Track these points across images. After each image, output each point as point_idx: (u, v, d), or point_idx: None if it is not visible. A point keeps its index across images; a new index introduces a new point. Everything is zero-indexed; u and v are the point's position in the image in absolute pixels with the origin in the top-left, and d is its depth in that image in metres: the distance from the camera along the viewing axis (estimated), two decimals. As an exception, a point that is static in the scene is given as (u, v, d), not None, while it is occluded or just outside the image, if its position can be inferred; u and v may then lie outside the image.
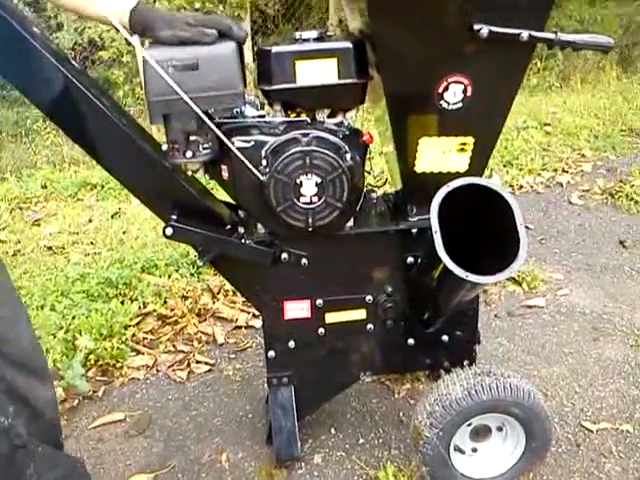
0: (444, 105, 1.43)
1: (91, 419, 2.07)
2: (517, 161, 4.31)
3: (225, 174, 1.51)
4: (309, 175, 1.44)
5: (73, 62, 1.43)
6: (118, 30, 1.33)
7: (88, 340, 2.31)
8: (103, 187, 4.17)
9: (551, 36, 1.37)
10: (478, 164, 1.52)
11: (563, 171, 4.23)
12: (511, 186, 3.94)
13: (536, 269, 2.85)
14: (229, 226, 1.59)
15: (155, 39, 1.33)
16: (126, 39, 1.35)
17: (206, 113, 1.39)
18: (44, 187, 4.29)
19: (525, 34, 1.34)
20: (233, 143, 1.42)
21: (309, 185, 1.45)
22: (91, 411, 2.11)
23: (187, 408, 2.11)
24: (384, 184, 1.77)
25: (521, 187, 3.98)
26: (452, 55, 1.38)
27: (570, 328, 2.47)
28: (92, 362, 2.30)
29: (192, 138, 1.41)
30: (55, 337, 2.36)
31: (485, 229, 1.43)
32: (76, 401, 2.15)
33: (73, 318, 2.47)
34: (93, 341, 2.32)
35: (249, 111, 1.48)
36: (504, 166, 4.24)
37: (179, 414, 2.08)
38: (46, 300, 2.61)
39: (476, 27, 1.32)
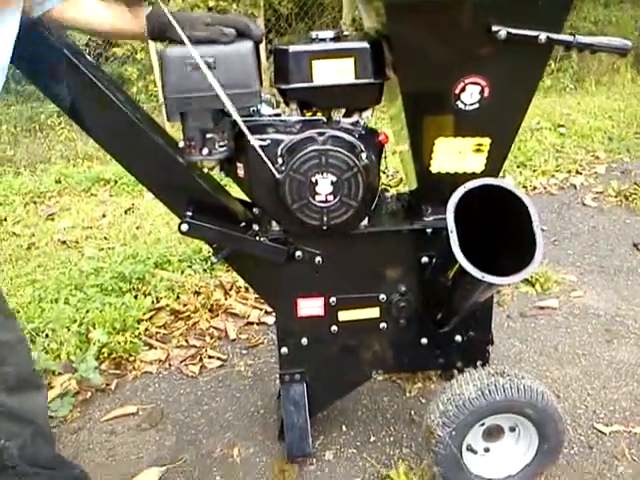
0: (461, 106, 1.43)
1: (104, 412, 2.10)
2: (530, 162, 4.29)
3: (241, 172, 1.52)
4: (324, 174, 1.44)
5: (88, 57, 1.45)
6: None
7: (101, 334, 2.34)
8: (116, 182, 4.20)
9: (569, 38, 1.37)
10: (494, 165, 1.52)
11: (577, 173, 4.21)
12: (524, 187, 3.93)
13: (549, 270, 2.84)
14: (244, 223, 1.60)
15: (174, 40, 1.34)
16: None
17: (223, 112, 1.40)
18: (58, 182, 4.32)
19: (543, 36, 1.34)
20: (249, 141, 1.43)
21: (324, 184, 1.45)
22: (104, 404, 2.14)
23: (199, 402, 2.12)
24: (399, 184, 1.77)
25: (534, 188, 3.97)
26: (470, 56, 1.38)
27: (583, 330, 2.46)
28: (105, 355, 2.32)
29: (208, 136, 1.42)
30: (69, 330, 2.39)
31: (500, 230, 1.43)
32: (89, 394, 2.17)
33: (87, 312, 2.49)
34: (106, 335, 2.34)
35: (265, 110, 1.49)
36: (517, 167, 4.23)
37: (191, 408, 2.10)
38: (60, 294, 2.64)
39: (494, 29, 1.32)
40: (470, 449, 1.63)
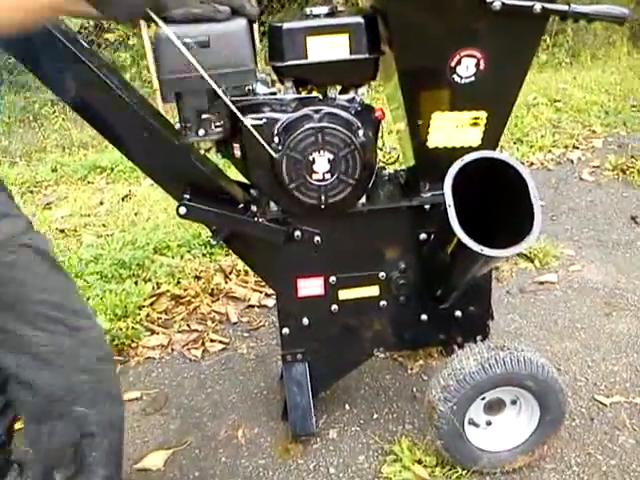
0: (457, 79, 1.42)
1: (108, 398, 2.10)
2: (527, 138, 4.28)
3: (237, 152, 1.51)
4: (321, 152, 1.44)
5: (83, 42, 1.43)
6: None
7: (103, 320, 2.34)
8: (113, 170, 4.18)
9: (564, 8, 1.36)
10: (491, 138, 1.52)
11: (574, 147, 4.20)
12: (521, 163, 3.91)
13: (548, 245, 2.84)
14: (242, 205, 1.60)
15: (169, 17, 1.32)
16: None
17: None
18: (54, 171, 4.31)
19: (538, 6, 1.33)
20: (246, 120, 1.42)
21: (321, 162, 1.45)
22: (108, 390, 2.14)
23: (202, 386, 2.14)
24: (396, 161, 1.77)
25: (532, 164, 3.96)
26: (464, 29, 1.37)
27: (582, 303, 2.47)
28: (107, 342, 2.32)
29: (204, 116, 1.41)
30: (70, 318, 2.38)
31: (498, 204, 1.43)
32: (93, 380, 2.17)
33: (88, 299, 2.49)
34: (108, 321, 2.35)
35: (260, 88, 1.48)
36: (514, 143, 4.22)
37: (195, 392, 2.11)
38: (60, 282, 2.63)
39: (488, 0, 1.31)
40: (472, 423, 1.64)
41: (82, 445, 1.31)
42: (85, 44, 1.43)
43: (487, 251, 1.29)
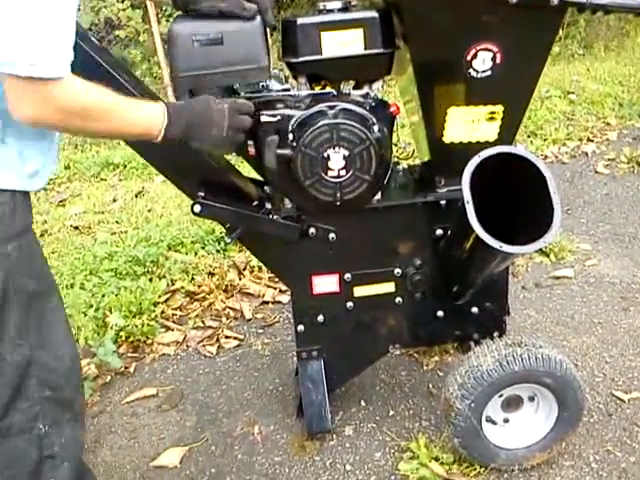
0: (473, 73, 1.40)
1: (124, 394, 2.11)
2: (541, 131, 4.24)
3: (251, 150, 1.51)
4: (336, 148, 1.43)
5: (94, 40, 1.43)
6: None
7: (118, 317, 2.35)
8: (125, 167, 4.18)
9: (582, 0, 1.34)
10: (508, 133, 1.50)
11: (588, 140, 4.15)
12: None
13: (563, 240, 2.81)
14: (256, 202, 1.59)
15: (197, 10, 1.32)
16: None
17: (233, 89, 1.39)
18: (67, 168, 4.32)
19: (555, -2, 1.31)
20: (260, 117, 1.41)
21: (336, 158, 1.44)
22: (124, 387, 2.15)
23: (218, 382, 2.14)
24: (410, 156, 1.76)
25: (546, 157, 3.92)
26: (480, 22, 1.36)
27: (599, 298, 2.45)
28: (123, 339, 2.33)
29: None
30: (86, 315, 2.40)
31: (514, 199, 1.41)
32: (109, 377, 2.18)
33: (103, 296, 2.50)
34: (123, 318, 2.36)
35: (274, 85, 1.47)
36: (528, 136, 4.18)
37: (210, 388, 2.11)
38: (75, 279, 2.64)
39: (505, -8, 1.29)
40: (489, 420, 1.63)
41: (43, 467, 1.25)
42: (96, 41, 1.43)
43: (506, 248, 1.27)
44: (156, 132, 1.21)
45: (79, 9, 1.20)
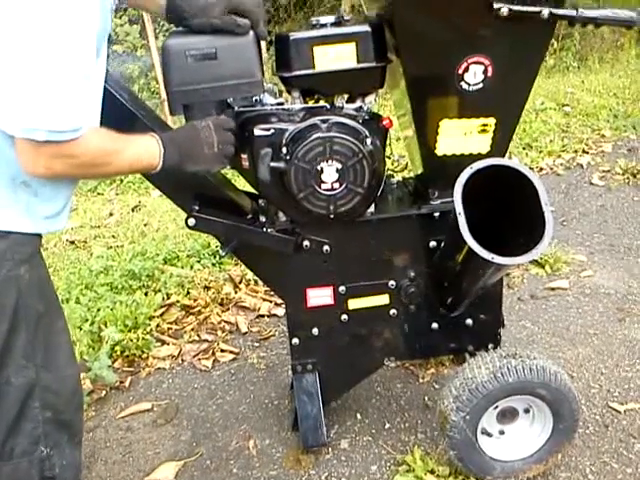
0: (464, 86, 1.41)
1: (119, 409, 2.10)
2: (536, 143, 4.27)
3: (245, 163, 1.51)
4: (330, 161, 1.44)
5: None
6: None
7: (114, 332, 2.34)
8: (122, 181, 4.20)
9: (572, 13, 1.36)
10: (500, 145, 1.51)
11: (583, 152, 4.18)
12: (531, 169, 3.88)
13: (559, 251, 2.82)
14: (250, 215, 1.60)
15: (190, 26, 1.33)
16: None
17: (226, 103, 1.39)
18: (64, 182, 4.33)
19: (546, 11, 1.33)
20: (253, 131, 1.42)
21: (330, 171, 1.45)
22: (119, 401, 2.14)
23: (213, 396, 2.13)
24: (404, 169, 1.76)
25: (541, 169, 3.94)
26: (472, 35, 1.37)
27: (595, 309, 2.45)
28: (118, 353, 2.33)
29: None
30: (81, 329, 2.39)
31: (507, 211, 1.42)
32: (104, 392, 2.18)
33: (98, 310, 2.50)
34: (118, 332, 2.35)
35: (268, 99, 1.48)
36: (523, 148, 4.20)
37: (205, 402, 2.10)
38: (71, 293, 2.64)
39: (496, 6, 1.31)
40: (485, 432, 1.62)
41: None
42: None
43: (498, 259, 1.28)
44: (156, 162, 1.24)
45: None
